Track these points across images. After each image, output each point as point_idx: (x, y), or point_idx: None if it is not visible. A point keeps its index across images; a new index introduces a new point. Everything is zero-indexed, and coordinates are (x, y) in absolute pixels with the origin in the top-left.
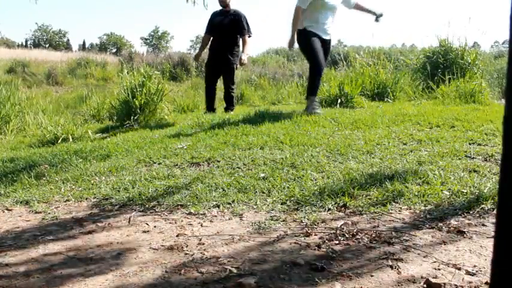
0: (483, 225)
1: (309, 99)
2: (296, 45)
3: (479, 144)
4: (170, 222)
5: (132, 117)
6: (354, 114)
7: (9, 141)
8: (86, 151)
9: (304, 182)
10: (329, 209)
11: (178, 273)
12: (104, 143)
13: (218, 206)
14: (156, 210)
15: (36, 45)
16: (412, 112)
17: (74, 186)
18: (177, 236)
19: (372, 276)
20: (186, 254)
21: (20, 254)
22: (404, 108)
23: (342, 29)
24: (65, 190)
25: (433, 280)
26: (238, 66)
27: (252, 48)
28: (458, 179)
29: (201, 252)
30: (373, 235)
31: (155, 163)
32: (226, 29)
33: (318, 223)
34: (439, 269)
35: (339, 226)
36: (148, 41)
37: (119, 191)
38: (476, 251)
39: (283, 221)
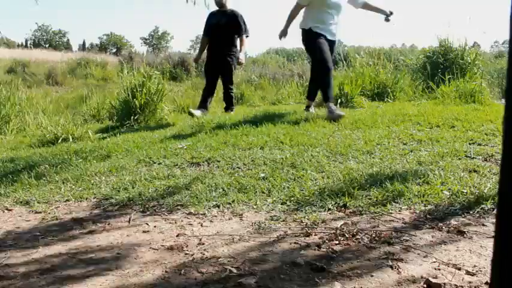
0: (483, 225)
1: (327, 103)
2: (287, 37)
3: (479, 144)
4: (170, 222)
5: (132, 117)
6: (354, 114)
7: (9, 141)
8: (86, 151)
9: (304, 182)
10: (329, 209)
11: (179, 273)
12: (104, 143)
13: (218, 206)
14: (156, 210)
15: (36, 45)
16: (412, 112)
17: (74, 186)
18: (177, 236)
19: (372, 276)
20: (186, 254)
21: (20, 254)
22: (405, 108)
23: (341, 29)
24: (65, 190)
25: (433, 280)
26: (236, 66)
27: (249, 48)
28: (458, 179)
29: (201, 252)
30: (373, 235)
31: (155, 163)
32: (224, 29)
33: (318, 223)
34: (439, 269)
35: (339, 226)
36: (148, 41)
37: (119, 191)
38: (476, 251)
39: (283, 221)
